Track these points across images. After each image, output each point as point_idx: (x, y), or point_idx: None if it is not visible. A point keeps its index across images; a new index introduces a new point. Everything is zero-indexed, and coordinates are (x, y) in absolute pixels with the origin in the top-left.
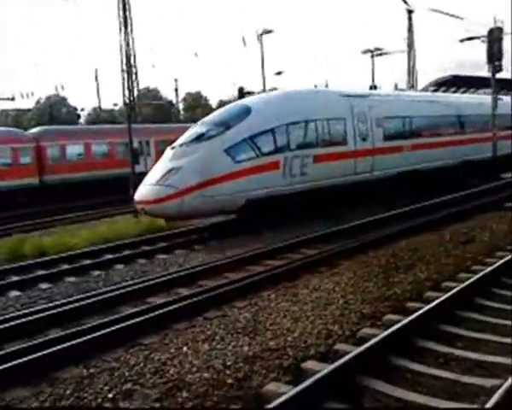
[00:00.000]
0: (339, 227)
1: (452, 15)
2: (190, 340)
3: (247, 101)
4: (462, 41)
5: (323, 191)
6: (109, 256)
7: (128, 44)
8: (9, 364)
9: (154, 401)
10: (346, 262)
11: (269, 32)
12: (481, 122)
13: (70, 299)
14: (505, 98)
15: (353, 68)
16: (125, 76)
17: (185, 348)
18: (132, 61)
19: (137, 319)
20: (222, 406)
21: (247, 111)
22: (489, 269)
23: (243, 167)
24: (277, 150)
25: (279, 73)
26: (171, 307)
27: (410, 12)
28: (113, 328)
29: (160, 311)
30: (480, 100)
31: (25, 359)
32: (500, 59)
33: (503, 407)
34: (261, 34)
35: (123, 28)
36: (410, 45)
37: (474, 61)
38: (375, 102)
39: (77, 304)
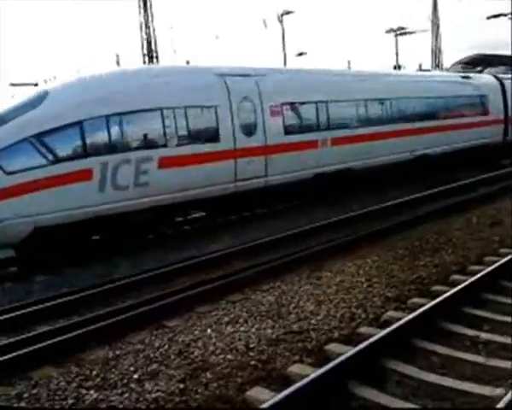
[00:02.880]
0: (360, 211)
1: None
2: (214, 322)
3: (53, 85)
4: (488, 18)
5: (179, 208)
6: None
7: (147, 27)
8: (39, 345)
9: (179, 382)
10: (371, 246)
11: (289, 12)
12: (448, 106)
13: None
14: (486, 77)
15: (377, 49)
16: (146, 60)
17: (209, 331)
18: (153, 46)
19: (162, 302)
20: (246, 387)
21: (39, 98)
22: None
23: (22, 180)
24: (88, 153)
25: (301, 55)
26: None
27: None
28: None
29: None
30: (450, 79)
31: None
32: None
33: None
34: (282, 15)
35: (142, 11)
36: (435, 24)
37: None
38: (269, 84)
39: None
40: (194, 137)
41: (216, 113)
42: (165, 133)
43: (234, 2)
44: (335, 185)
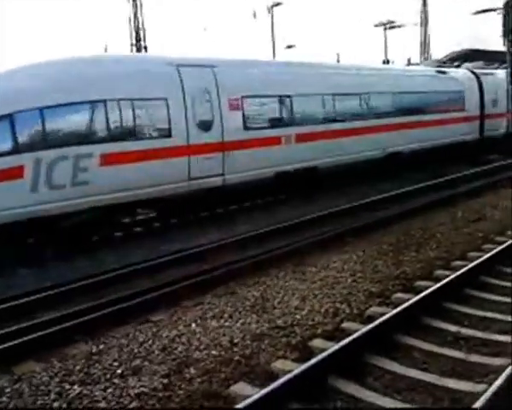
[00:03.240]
0: (347, 205)
1: None
2: (199, 317)
3: None
4: (477, 13)
5: (125, 208)
6: None
7: (136, 17)
8: (21, 339)
9: (163, 377)
10: (356, 240)
11: (278, 4)
12: (422, 102)
13: None
14: (462, 72)
15: (367, 42)
16: (134, 51)
17: (193, 326)
18: (142, 36)
19: (147, 296)
20: (229, 382)
21: None
22: (499, 248)
23: None
24: (19, 149)
25: (290, 47)
26: (178, 286)
27: None
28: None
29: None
30: (424, 73)
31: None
32: None
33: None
34: (271, 7)
35: (131, 1)
36: (424, 18)
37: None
38: (228, 75)
39: None
40: (142, 131)
41: (167, 105)
42: (107, 127)
43: None
44: (300, 185)
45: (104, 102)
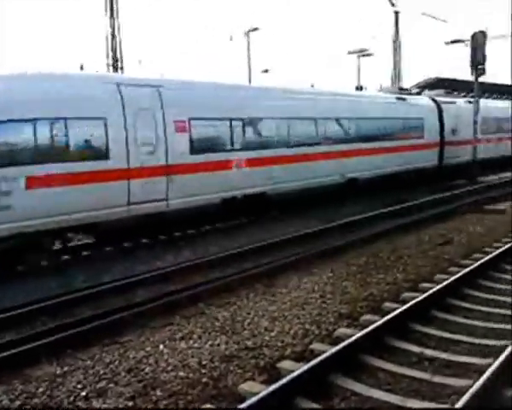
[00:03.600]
0: (320, 227)
1: (437, 18)
2: (167, 338)
3: None
4: (447, 44)
5: (56, 234)
6: None
7: (114, 37)
8: None
9: (128, 400)
10: (326, 261)
11: (255, 29)
12: (380, 128)
13: None
14: (422, 99)
15: (341, 69)
16: (111, 71)
17: (161, 347)
18: (118, 56)
19: (115, 317)
20: (196, 405)
21: None
22: (464, 271)
23: None
24: None
25: (266, 71)
26: (147, 306)
27: (396, 13)
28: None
29: (138, 309)
30: (383, 100)
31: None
32: (483, 63)
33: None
34: (248, 31)
35: (108, 18)
36: (397, 47)
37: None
38: (175, 96)
39: None
40: (74, 153)
41: (105, 126)
42: (35, 148)
43: (201, 17)
44: (249, 211)
45: (33, 121)
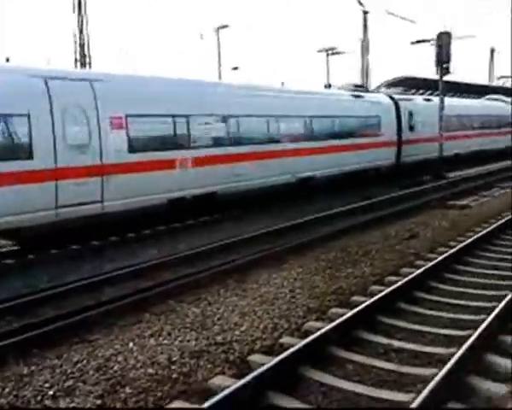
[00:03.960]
0: (287, 224)
1: (406, 19)
2: (136, 336)
3: None
4: (413, 43)
5: None
6: None
7: (81, 31)
8: None
9: (96, 398)
10: (296, 257)
11: (225, 27)
12: (335, 126)
13: None
14: (380, 97)
15: (311, 67)
16: (78, 65)
17: (131, 344)
18: (86, 50)
19: (83, 315)
20: (166, 401)
21: None
22: (430, 264)
23: None
24: None
25: (236, 69)
26: (116, 304)
27: (365, 13)
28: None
29: (106, 307)
30: (339, 97)
31: None
32: (448, 62)
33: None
34: (217, 29)
35: (77, 14)
36: (365, 46)
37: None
38: (110, 91)
39: None
40: None
41: (29, 123)
42: None
43: (171, 14)
44: (199, 212)
45: None
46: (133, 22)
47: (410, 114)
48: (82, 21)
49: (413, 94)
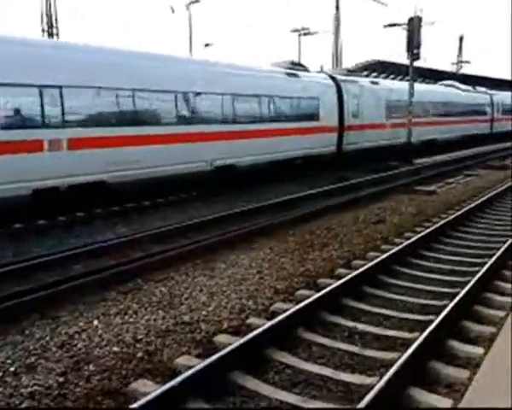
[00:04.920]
0: (256, 205)
1: (378, 1)
2: (102, 313)
3: None
4: (385, 27)
5: None
6: None
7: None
8: None
9: (59, 375)
10: (265, 238)
11: (196, 1)
12: (263, 107)
13: None
14: (319, 77)
15: (283, 46)
16: (46, 36)
17: (96, 322)
18: (54, 22)
19: (47, 292)
20: (130, 380)
21: None
22: (396, 249)
23: None
24: None
25: (207, 45)
26: (82, 281)
27: None
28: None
29: (72, 283)
30: (269, 75)
31: None
32: (418, 47)
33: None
34: (189, 3)
35: None
36: (337, 27)
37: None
38: None
39: None
40: None
41: None
42: None
43: None
44: (81, 205)
45: None
46: None
47: (355, 98)
48: None
49: (384, 78)
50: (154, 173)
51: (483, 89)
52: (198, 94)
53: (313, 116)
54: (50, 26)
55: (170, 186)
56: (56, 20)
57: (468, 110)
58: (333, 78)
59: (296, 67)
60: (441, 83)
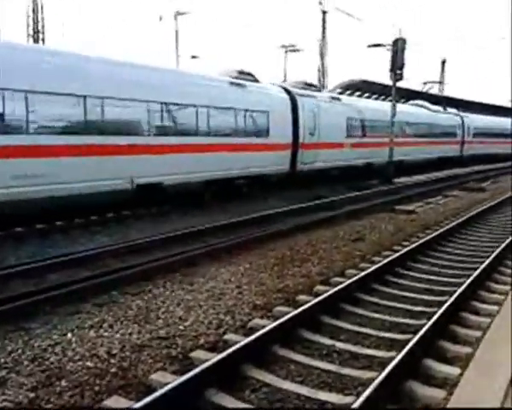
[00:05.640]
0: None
1: (351, 16)
2: (76, 326)
3: None
4: (369, 47)
5: None
6: None
7: (35, 8)
8: None
9: (30, 391)
10: (244, 253)
11: (184, 13)
12: (196, 118)
13: None
14: (271, 89)
15: (269, 62)
16: (31, 41)
17: (69, 335)
18: (40, 27)
19: (20, 302)
20: (103, 396)
21: None
22: (373, 267)
23: None
24: None
25: (194, 57)
26: (57, 292)
27: (323, 12)
28: None
29: (46, 294)
30: (209, 83)
31: None
32: (401, 68)
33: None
34: (176, 15)
35: None
36: (323, 45)
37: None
38: None
39: None
40: None
41: None
42: None
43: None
44: None
45: None
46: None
47: (312, 114)
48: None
49: (368, 97)
50: (55, 191)
51: (454, 110)
52: (109, 99)
53: (261, 132)
54: (36, 31)
55: (79, 208)
56: (43, 25)
57: (436, 132)
58: (287, 91)
59: (244, 76)
60: (411, 102)
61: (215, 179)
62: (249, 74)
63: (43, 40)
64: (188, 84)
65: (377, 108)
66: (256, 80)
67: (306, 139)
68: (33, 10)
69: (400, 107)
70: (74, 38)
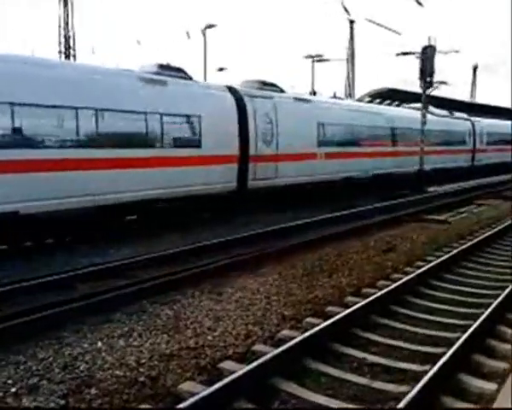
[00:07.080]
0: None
1: (390, 29)
2: (106, 335)
3: None
4: (398, 55)
5: None
6: None
7: (67, 23)
8: None
9: (60, 398)
10: (273, 264)
11: (212, 26)
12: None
13: None
14: (211, 88)
15: (297, 72)
16: (63, 58)
17: (99, 344)
18: (71, 44)
19: (52, 311)
20: (132, 405)
21: None
22: (406, 278)
23: None
24: None
25: (221, 70)
26: (88, 301)
27: (351, 22)
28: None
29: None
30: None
31: None
32: (431, 76)
33: None
34: (205, 28)
35: (62, 6)
36: (351, 55)
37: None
38: None
39: None
40: None
41: None
42: None
43: (158, 10)
44: None
45: None
46: (121, 17)
47: (267, 118)
48: (68, 14)
49: (396, 106)
50: None
51: (463, 114)
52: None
53: (190, 141)
54: (68, 47)
55: None
56: (74, 43)
57: (441, 140)
58: (232, 91)
59: (168, 71)
60: (411, 106)
61: (111, 205)
62: (178, 69)
63: (74, 56)
64: (67, 81)
65: (363, 110)
66: (186, 77)
67: (260, 150)
68: (66, 23)
69: (396, 110)
70: (103, 52)
